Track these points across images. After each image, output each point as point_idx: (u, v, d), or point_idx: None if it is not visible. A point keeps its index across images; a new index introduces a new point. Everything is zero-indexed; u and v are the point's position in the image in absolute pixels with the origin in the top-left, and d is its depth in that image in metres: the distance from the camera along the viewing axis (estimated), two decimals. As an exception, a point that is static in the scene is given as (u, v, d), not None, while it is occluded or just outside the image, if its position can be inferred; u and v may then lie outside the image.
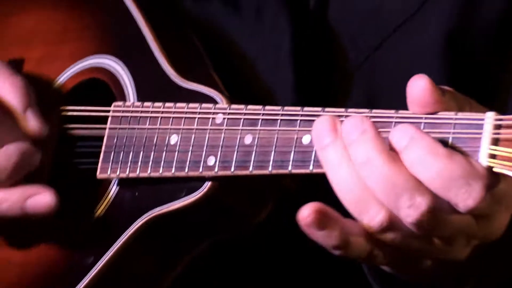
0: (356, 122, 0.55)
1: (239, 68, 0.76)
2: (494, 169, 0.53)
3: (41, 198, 0.66)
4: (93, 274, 0.65)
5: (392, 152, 0.55)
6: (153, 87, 0.70)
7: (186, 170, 0.64)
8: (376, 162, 0.54)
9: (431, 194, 0.53)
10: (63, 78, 0.74)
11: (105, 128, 0.69)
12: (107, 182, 0.69)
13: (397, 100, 0.61)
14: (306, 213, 0.55)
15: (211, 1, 0.78)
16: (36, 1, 0.75)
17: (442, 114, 0.56)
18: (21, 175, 0.66)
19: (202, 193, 0.64)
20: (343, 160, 0.56)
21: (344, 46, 0.74)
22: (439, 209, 0.54)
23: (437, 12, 0.70)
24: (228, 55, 0.76)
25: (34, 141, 0.67)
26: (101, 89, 0.72)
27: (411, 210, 0.53)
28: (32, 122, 0.67)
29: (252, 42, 0.76)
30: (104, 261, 0.65)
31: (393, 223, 0.55)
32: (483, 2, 0.71)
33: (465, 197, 0.52)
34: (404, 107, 0.59)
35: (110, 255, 0.64)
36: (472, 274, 0.62)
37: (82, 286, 0.66)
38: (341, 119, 0.57)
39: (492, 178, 0.53)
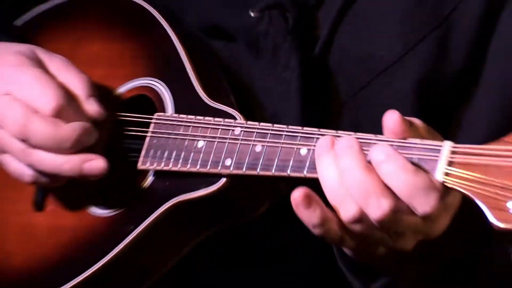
0: (347, 140, 0.70)
1: (256, 97, 0.94)
2: (446, 184, 0.65)
3: (96, 163, 0.82)
4: (128, 240, 0.82)
5: (369, 164, 0.68)
6: (187, 104, 0.86)
7: (208, 167, 0.80)
8: (355, 170, 0.67)
9: (394, 198, 0.66)
10: (118, 92, 0.93)
11: (147, 131, 0.87)
12: (145, 172, 0.87)
13: (376, 130, 0.73)
14: (297, 194, 0.70)
15: (238, 44, 0.95)
16: (101, 33, 0.94)
17: (409, 140, 0.69)
18: (81, 146, 0.81)
19: (218, 186, 0.80)
20: (333, 165, 0.69)
21: (339, 84, 0.91)
22: (398, 210, 0.67)
23: (413, 63, 0.87)
24: (249, 86, 0.94)
25: (93, 123, 0.84)
26: (147, 103, 0.90)
27: (376, 209, 0.66)
28: (93, 107, 0.84)
29: (268, 77, 0.93)
30: (138, 231, 0.81)
31: (361, 217, 0.68)
32: (449, 56, 0.87)
33: (424, 204, 0.65)
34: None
35: (142, 227, 0.81)
36: (414, 262, 0.77)
37: (119, 249, 0.81)
38: (337, 139, 0.72)
39: (444, 191, 0.66)
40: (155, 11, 0.88)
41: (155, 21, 0.87)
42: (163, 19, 0.87)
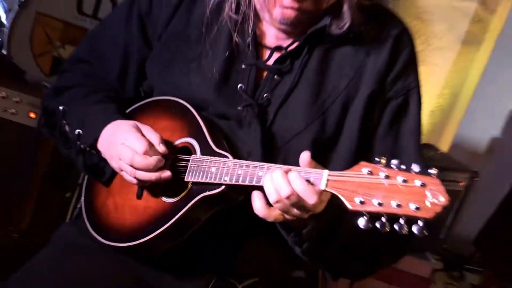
0: (279, 169, 1.19)
1: (239, 144, 1.48)
2: (325, 190, 1.14)
3: (166, 174, 1.37)
4: (180, 214, 1.37)
5: (288, 180, 1.16)
6: (205, 150, 1.41)
7: (216, 180, 1.34)
8: (281, 182, 1.16)
9: (294, 196, 1.14)
10: (175, 143, 1.52)
11: (189, 162, 1.43)
12: (188, 182, 1.41)
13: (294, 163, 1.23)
14: (255, 193, 1.23)
15: (230, 120, 1.49)
16: (166, 116, 1.54)
17: (308, 169, 1.20)
18: (158, 167, 1.36)
19: (221, 188, 1.34)
20: (269, 180, 1.19)
21: (278, 141, 1.47)
22: (295, 201, 1.15)
23: (309, 132, 1.44)
24: (234, 139, 1.49)
25: (163, 156, 1.38)
26: (188, 149, 1.46)
27: (285, 200, 1.15)
28: (162, 149, 1.37)
29: (246, 136, 1.47)
30: (184, 210, 1.37)
31: (282, 204, 1.17)
32: (326, 129, 1.47)
33: (311, 199, 1.13)
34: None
35: (186, 208, 1.36)
36: (310, 222, 1.26)
37: (167, 225, 1.38)
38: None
39: (322, 193, 1.14)
40: (186, 103, 1.47)
41: (187, 108, 1.47)
42: (190, 106, 1.47)
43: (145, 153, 1.31)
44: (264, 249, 1.53)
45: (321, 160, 1.26)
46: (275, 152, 1.43)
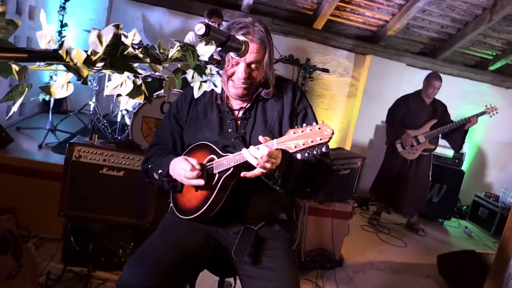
0: (252, 146, 1.36)
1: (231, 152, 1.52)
2: (277, 147, 1.31)
3: (202, 181, 1.48)
4: (213, 194, 1.48)
5: (258, 149, 1.33)
6: (219, 156, 1.50)
7: (226, 168, 1.45)
8: (255, 152, 1.32)
9: (264, 156, 1.30)
10: (206, 159, 1.57)
11: (213, 163, 1.52)
12: (215, 174, 1.51)
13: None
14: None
15: (229, 148, 1.58)
16: (196, 151, 1.61)
17: (267, 142, 1.33)
18: (198, 176, 1.48)
19: (232, 169, 1.43)
20: (249, 154, 1.34)
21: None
22: (265, 159, 1.31)
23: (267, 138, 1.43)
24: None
25: (201, 172, 1.50)
26: (211, 160, 1.55)
27: (259, 159, 1.31)
28: (197, 166, 1.48)
29: (233, 150, 1.56)
30: (216, 190, 1.47)
31: (259, 163, 1.32)
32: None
33: (272, 155, 1.33)
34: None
35: (217, 188, 1.47)
36: (278, 170, 1.40)
37: (211, 199, 1.48)
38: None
39: (276, 150, 1.33)
40: (209, 142, 1.56)
41: (206, 144, 1.57)
42: (207, 142, 1.58)
43: (191, 170, 1.46)
44: (262, 205, 1.61)
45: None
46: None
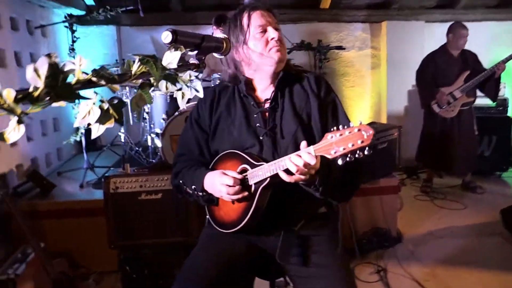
0: (293, 154, 1.29)
1: (265, 155, 1.50)
2: (315, 154, 1.25)
3: (244, 194, 1.42)
4: (253, 206, 1.42)
5: (300, 156, 1.26)
6: (252, 166, 1.42)
7: (263, 178, 1.37)
8: (297, 160, 1.25)
9: (305, 163, 1.24)
10: (239, 169, 1.48)
11: (247, 173, 1.44)
12: (251, 185, 1.43)
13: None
14: (281, 173, 1.32)
15: (256, 146, 1.51)
16: (228, 160, 1.54)
17: (308, 148, 1.26)
18: (238, 192, 1.42)
19: (268, 179, 1.36)
20: (290, 162, 1.27)
21: (285, 141, 1.51)
22: (306, 166, 1.25)
23: (299, 128, 1.49)
24: (262, 154, 1.51)
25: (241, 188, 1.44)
26: (245, 170, 1.46)
27: (301, 168, 1.25)
28: (237, 179, 1.41)
29: (267, 150, 1.51)
30: (255, 202, 1.41)
31: (300, 170, 1.26)
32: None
33: (312, 161, 1.24)
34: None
35: (255, 200, 1.40)
36: (318, 177, 1.35)
37: (251, 211, 1.41)
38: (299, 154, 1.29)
39: (315, 157, 1.25)
40: (235, 150, 1.50)
41: (236, 152, 1.50)
42: (237, 150, 1.50)
43: (233, 184, 1.39)
44: (300, 204, 1.52)
45: (307, 139, 1.35)
46: (284, 148, 1.47)
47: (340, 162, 1.16)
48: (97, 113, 0.59)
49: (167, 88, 0.69)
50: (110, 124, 0.59)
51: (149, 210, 2.55)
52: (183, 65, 0.78)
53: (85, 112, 0.60)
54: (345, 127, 1.17)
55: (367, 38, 5.12)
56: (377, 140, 3.17)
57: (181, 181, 1.62)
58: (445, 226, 3.50)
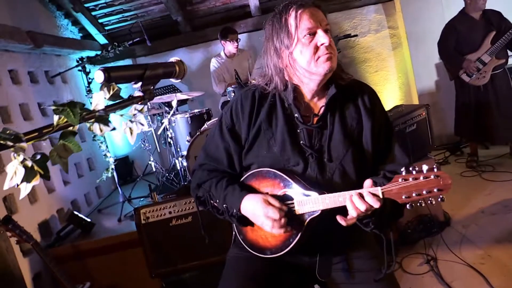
0: (354, 195, 1.19)
1: (308, 177, 1.37)
2: (380, 195, 1.17)
3: (288, 228, 1.30)
4: (298, 235, 1.31)
5: (363, 199, 1.18)
6: (297, 195, 1.31)
7: (316, 209, 1.28)
8: (359, 203, 1.17)
9: (368, 207, 1.16)
10: (279, 194, 1.37)
11: (293, 204, 1.33)
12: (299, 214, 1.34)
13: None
14: (338, 217, 1.24)
15: (300, 165, 1.37)
16: (264, 180, 1.39)
17: (372, 189, 1.17)
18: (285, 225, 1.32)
19: (319, 212, 1.27)
20: (351, 203, 1.19)
21: (332, 165, 1.36)
22: (368, 209, 1.17)
23: (349, 151, 1.35)
24: (305, 175, 1.37)
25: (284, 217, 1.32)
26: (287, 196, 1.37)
27: (363, 211, 1.17)
28: (283, 210, 1.30)
29: (311, 172, 1.37)
30: (301, 232, 1.30)
31: (360, 214, 1.19)
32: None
33: (376, 204, 1.15)
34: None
35: (303, 229, 1.30)
36: (376, 215, 1.25)
37: (297, 238, 1.31)
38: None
39: (380, 199, 1.16)
40: (272, 169, 1.35)
41: (275, 172, 1.35)
42: (276, 170, 1.35)
43: (279, 218, 1.27)
44: (344, 233, 1.34)
45: (360, 167, 1.32)
46: (330, 173, 1.33)
47: (408, 206, 1.13)
48: (21, 172, 0.58)
49: (101, 130, 0.68)
50: (36, 180, 0.58)
51: (182, 235, 2.58)
52: (126, 100, 0.77)
53: (12, 173, 0.60)
54: (417, 169, 1.11)
55: (382, 19, 4.93)
56: (404, 123, 3.05)
57: (208, 194, 1.47)
58: (496, 201, 3.26)
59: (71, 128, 0.61)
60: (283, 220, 1.28)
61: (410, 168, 1.11)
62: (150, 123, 3.91)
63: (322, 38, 1.28)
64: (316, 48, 1.29)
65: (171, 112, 3.50)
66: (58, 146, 0.62)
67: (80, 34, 4.72)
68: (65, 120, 0.63)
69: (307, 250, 1.43)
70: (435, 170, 1.08)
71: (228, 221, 1.44)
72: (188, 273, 2.63)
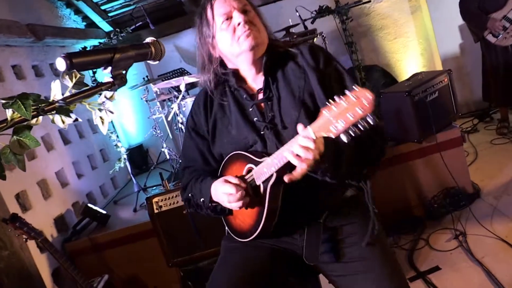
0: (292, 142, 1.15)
1: (269, 150, 1.38)
2: (312, 135, 1.09)
3: (247, 199, 1.31)
4: (265, 209, 1.29)
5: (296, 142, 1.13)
6: (256, 164, 1.32)
7: (270, 173, 1.25)
8: (295, 148, 1.12)
9: (305, 151, 1.11)
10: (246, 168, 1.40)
11: (252, 175, 1.33)
12: (259, 185, 1.32)
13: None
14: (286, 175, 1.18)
15: (260, 142, 1.40)
16: (233, 163, 1.45)
17: (301, 131, 1.12)
18: (243, 195, 1.31)
19: (275, 174, 1.24)
20: (290, 152, 1.14)
21: (288, 131, 1.37)
22: (306, 151, 1.10)
23: (302, 112, 1.34)
24: (266, 150, 1.40)
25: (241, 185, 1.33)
26: (250, 170, 1.37)
27: (302, 152, 1.11)
28: (236, 183, 1.32)
29: (270, 145, 1.39)
30: (266, 204, 1.28)
31: (303, 153, 1.11)
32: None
33: (310, 144, 1.09)
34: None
35: (267, 201, 1.28)
36: (325, 160, 1.18)
37: (265, 213, 1.29)
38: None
39: (316, 139, 1.10)
40: (238, 151, 1.41)
41: (239, 153, 1.41)
42: (240, 151, 1.41)
43: (236, 192, 1.30)
44: (320, 194, 1.39)
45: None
46: (289, 139, 1.22)
47: (344, 139, 1.01)
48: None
49: (63, 122, 0.64)
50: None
51: (196, 222, 2.52)
52: (93, 88, 0.72)
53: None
54: (340, 97, 1.01)
55: (398, -19, 4.76)
56: (424, 92, 2.91)
57: (190, 194, 1.54)
58: (530, 169, 3.14)
59: (26, 122, 0.57)
60: (239, 193, 1.31)
61: (336, 99, 1.03)
62: (160, 109, 3.88)
63: (237, 18, 1.36)
64: (234, 29, 1.37)
65: (180, 97, 3.46)
66: (12, 142, 0.57)
67: (84, 23, 4.66)
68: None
69: (290, 231, 1.44)
70: (354, 88, 1.01)
71: (211, 217, 1.50)
72: (206, 261, 2.58)
